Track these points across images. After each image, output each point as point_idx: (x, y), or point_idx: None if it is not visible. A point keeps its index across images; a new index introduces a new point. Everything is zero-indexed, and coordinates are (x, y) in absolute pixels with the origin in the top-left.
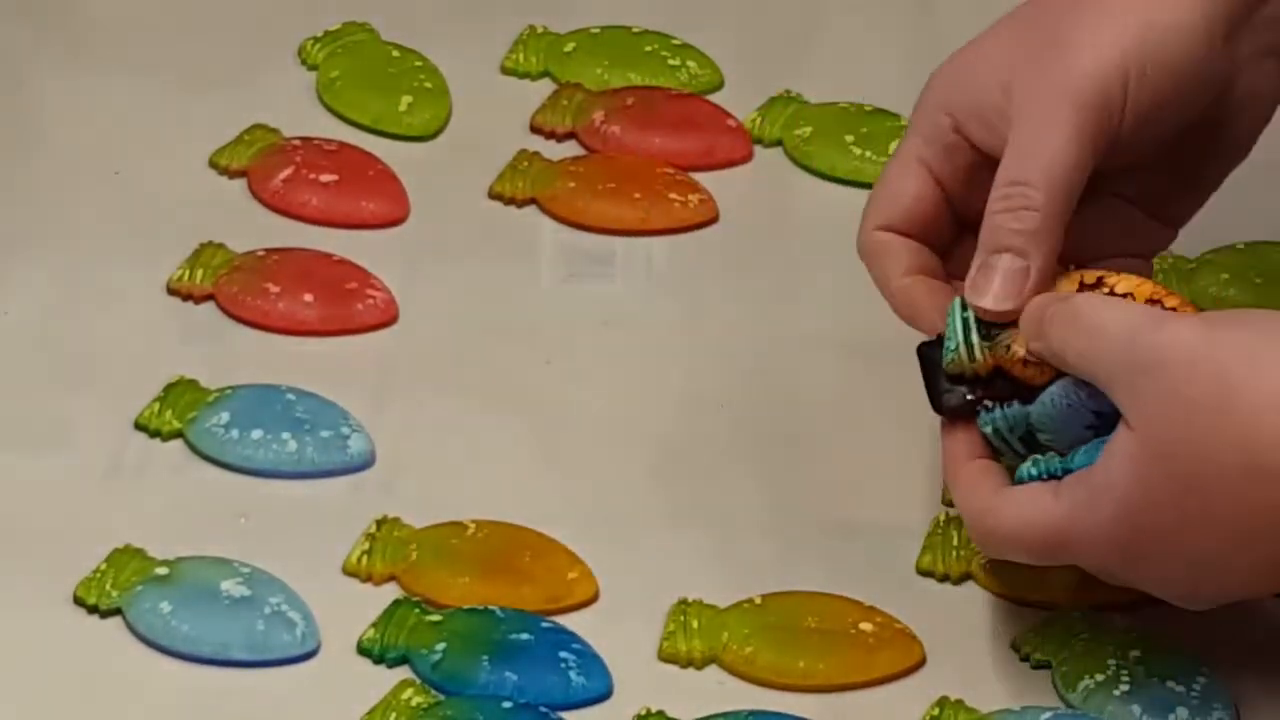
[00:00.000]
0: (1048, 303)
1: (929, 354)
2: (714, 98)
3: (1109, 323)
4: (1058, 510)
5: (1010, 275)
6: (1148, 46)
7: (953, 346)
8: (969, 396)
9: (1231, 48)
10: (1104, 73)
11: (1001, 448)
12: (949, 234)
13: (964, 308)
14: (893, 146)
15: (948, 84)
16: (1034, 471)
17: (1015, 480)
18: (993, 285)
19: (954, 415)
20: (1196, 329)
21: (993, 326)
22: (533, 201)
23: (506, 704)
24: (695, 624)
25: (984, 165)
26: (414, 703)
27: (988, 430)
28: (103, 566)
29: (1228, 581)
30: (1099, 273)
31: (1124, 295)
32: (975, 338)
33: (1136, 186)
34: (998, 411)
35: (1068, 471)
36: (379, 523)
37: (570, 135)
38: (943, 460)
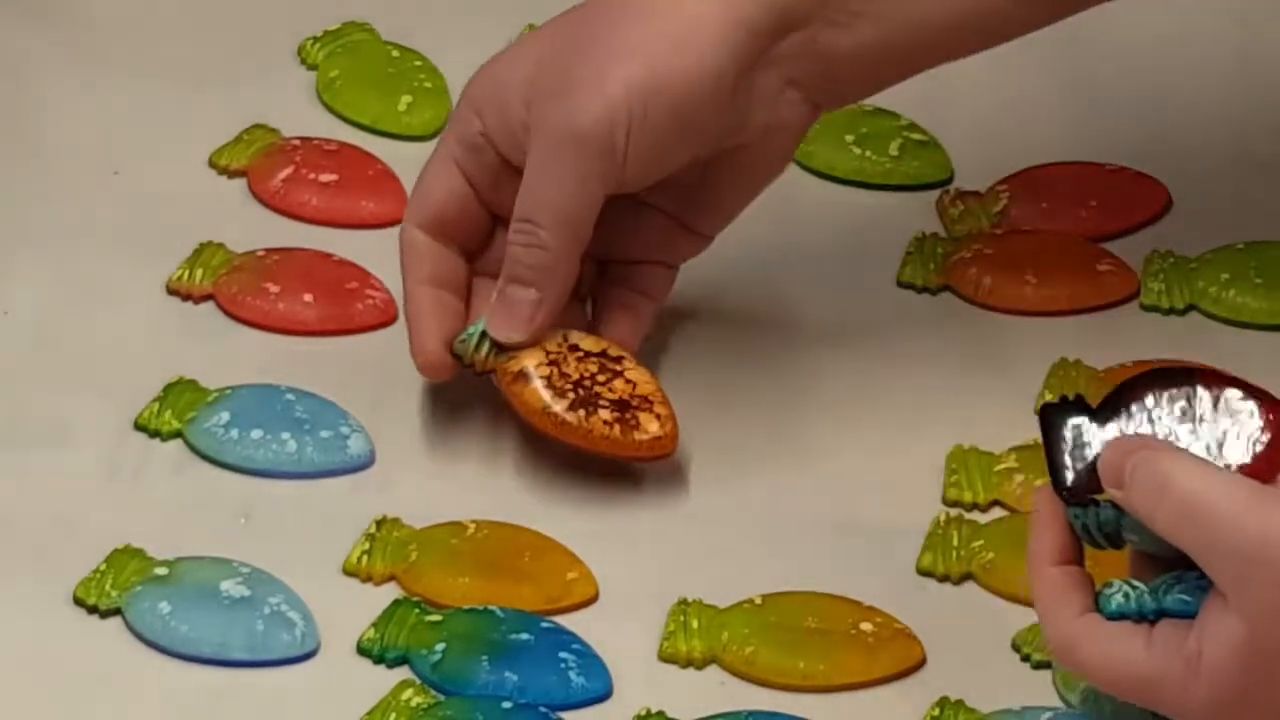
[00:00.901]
0: (1128, 451)
1: (1057, 421)
2: None
3: (1208, 502)
4: (1148, 666)
5: (521, 306)
6: (650, 91)
7: (463, 337)
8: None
9: (748, 84)
10: (607, 117)
11: (1083, 537)
12: (481, 230)
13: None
14: (893, 146)
15: (484, 88)
16: (1125, 609)
17: (1105, 609)
18: (505, 315)
19: (1074, 498)
20: None
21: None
22: None
23: (506, 704)
24: (695, 624)
25: (510, 168)
26: (414, 703)
27: (1076, 525)
28: (102, 567)
29: None
30: (599, 343)
31: (631, 382)
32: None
33: (668, 200)
34: (1092, 510)
35: (1160, 612)
36: (379, 523)
37: None
38: (1028, 553)
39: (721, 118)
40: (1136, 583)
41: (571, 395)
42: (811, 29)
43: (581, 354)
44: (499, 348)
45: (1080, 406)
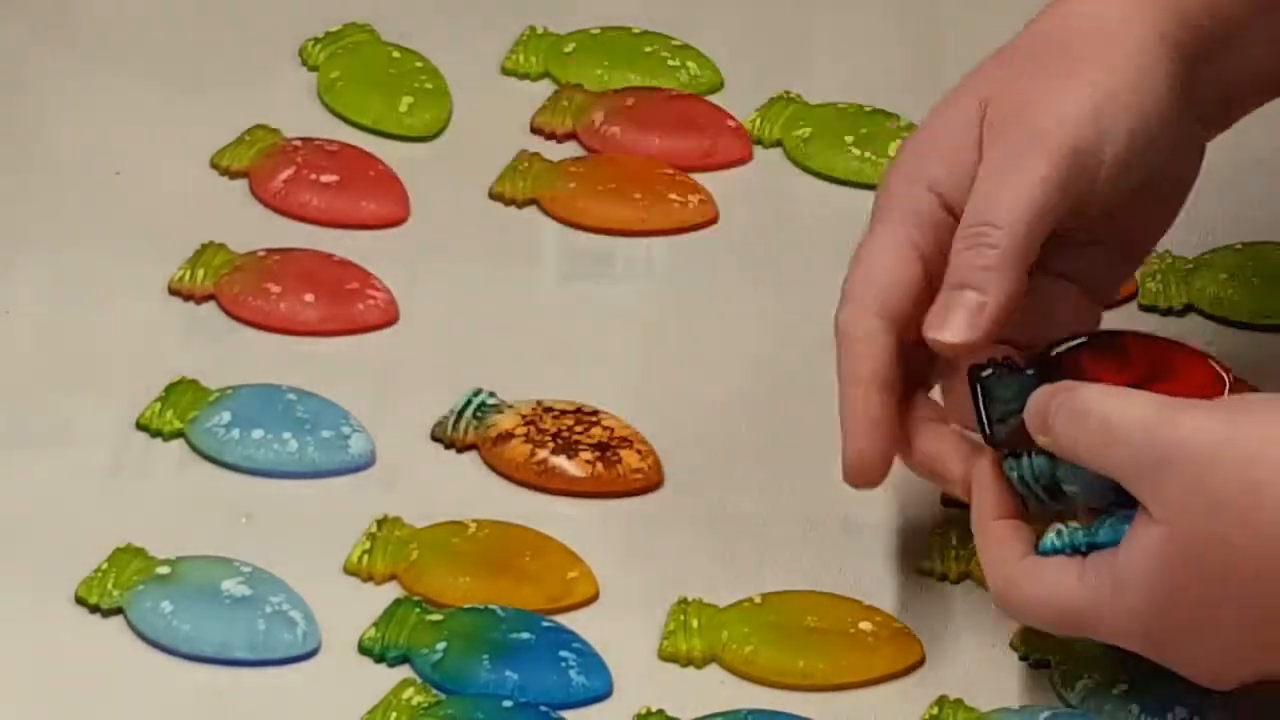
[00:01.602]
0: (1050, 394)
1: (984, 380)
2: (714, 98)
3: (1121, 417)
4: (1080, 593)
5: (967, 310)
6: (1114, 101)
7: (439, 420)
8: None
9: (1176, 105)
10: (1073, 120)
11: (1025, 494)
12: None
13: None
14: (892, 147)
15: (920, 154)
16: (1058, 544)
17: (1039, 548)
18: (951, 319)
19: (1006, 445)
20: (1216, 418)
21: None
22: (533, 202)
23: (507, 703)
24: (695, 623)
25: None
26: (414, 702)
27: (1013, 476)
28: (104, 566)
29: (1259, 665)
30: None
31: (608, 428)
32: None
33: (1080, 261)
34: (1025, 460)
35: (1092, 545)
36: (380, 522)
37: (570, 136)
38: (972, 511)
39: (1175, 133)
40: (1071, 523)
41: (551, 444)
42: (1218, 57)
43: (557, 412)
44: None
45: (1010, 368)
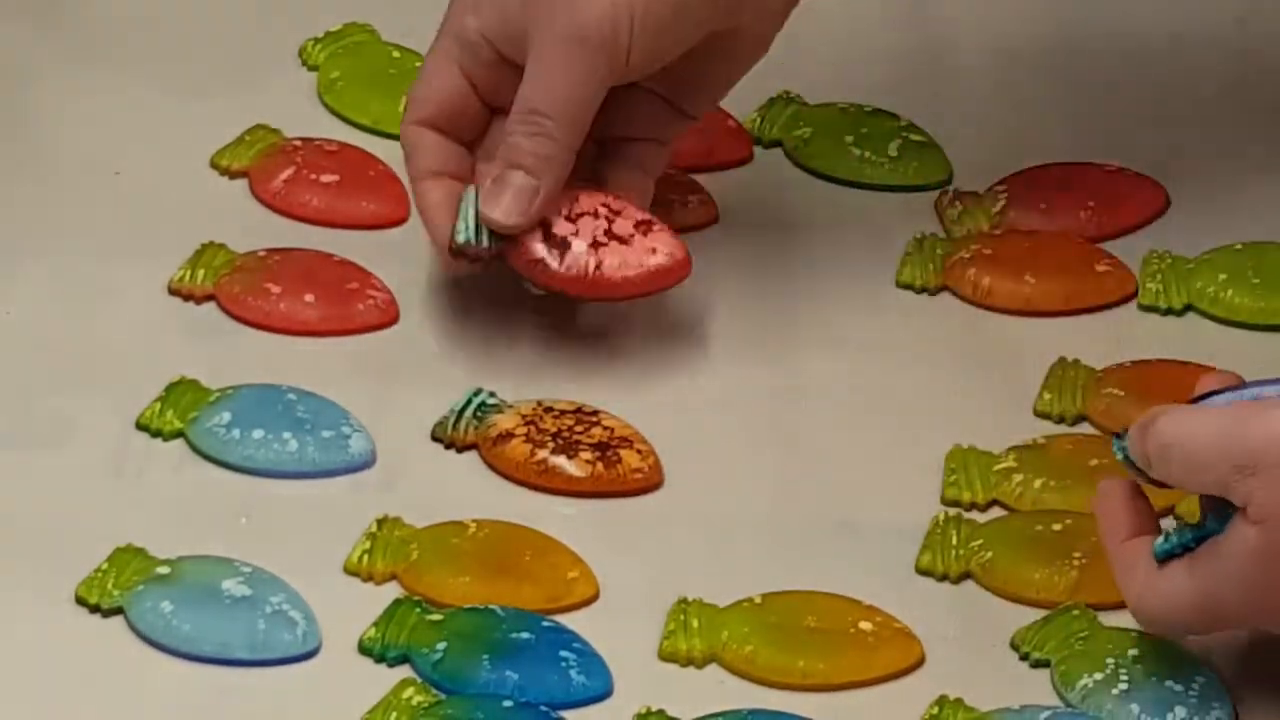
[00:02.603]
0: (1141, 433)
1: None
2: None
3: (1195, 443)
4: (1192, 589)
5: (521, 193)
6: None
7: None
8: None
9: None
10: (610, 15)
11: (1133, 473)
12: (479, 123)
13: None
14: (892, 147)
15: None
16: (1168, 546)
17: (1155, 553)
18: (504, 199)
19: (457, 255)
20: None
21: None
22: None
23: (507, 703)
24: (695, 623)
25: (507, 64)
26: (415, 702)
27: (1119, 456)
28: (104, 566)
29: None
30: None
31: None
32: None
33: (659, 83)
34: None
35: (1199, 539)
36: (380, 522)
37: None
38: (1100, 533)
39: (715, 9)
40: (1180, 523)
41: (551, 444)
42: None
43: (557, 412)
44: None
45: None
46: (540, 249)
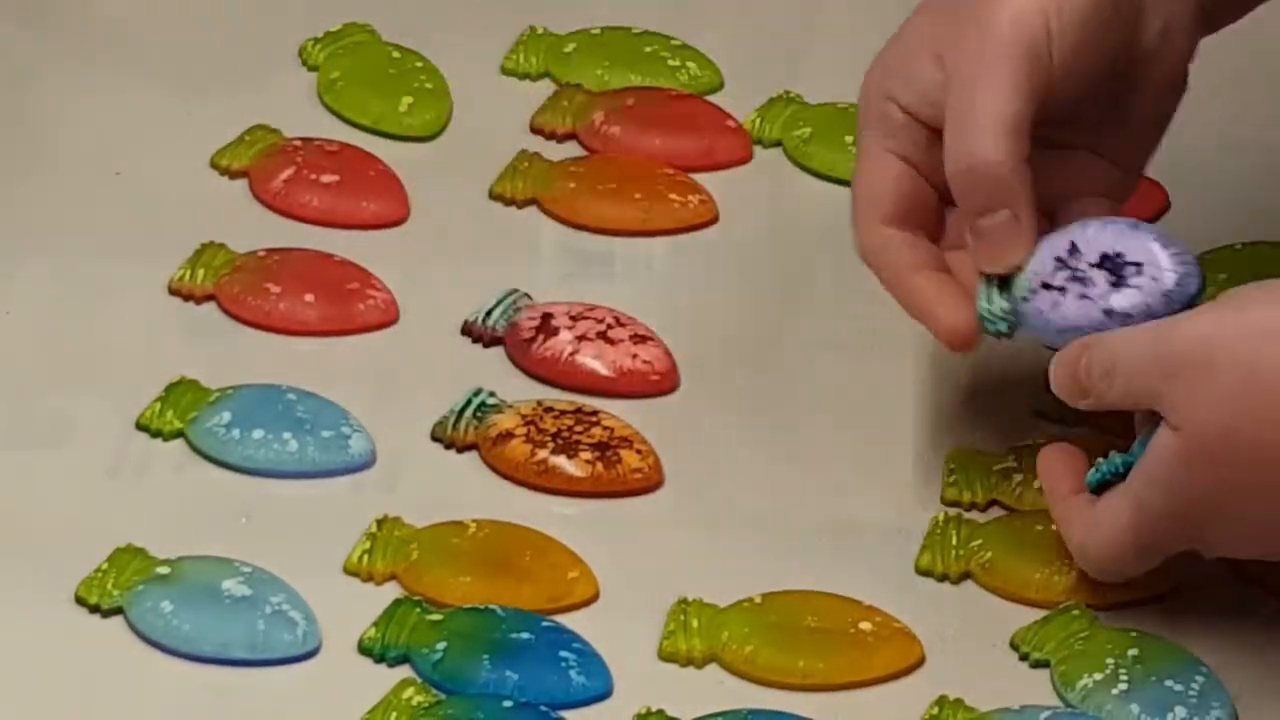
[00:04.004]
0: (1076, 356)
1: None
2: (714, 98)
3: (1129, 354)
4: (1126, 510)
5: (1000, 230)
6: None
7: (439, 420)
8: None
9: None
10: (1025, 19)
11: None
12: (936, 212)
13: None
14: None
15: (884, 74)
16: (1098, 476)
17: (1087, 484)
18: (988, 245)
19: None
20: (1209, 321)
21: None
22: (533, 202)
23: (507, 703)
24: (695, 623)
25: (939, 139)
26: (415, 702)
27: (1093, 481)
28: (104, 566)
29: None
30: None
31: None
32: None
33: (1093, 137)
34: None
35: (1129, 465)
36: (380, 522)
37: (571, 136)
38: (1045, 495)
39: (1133, 24)
40: (1111, 453)
41: (551, 444)
42: None
43: (557, 412)
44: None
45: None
46: (530, 331)
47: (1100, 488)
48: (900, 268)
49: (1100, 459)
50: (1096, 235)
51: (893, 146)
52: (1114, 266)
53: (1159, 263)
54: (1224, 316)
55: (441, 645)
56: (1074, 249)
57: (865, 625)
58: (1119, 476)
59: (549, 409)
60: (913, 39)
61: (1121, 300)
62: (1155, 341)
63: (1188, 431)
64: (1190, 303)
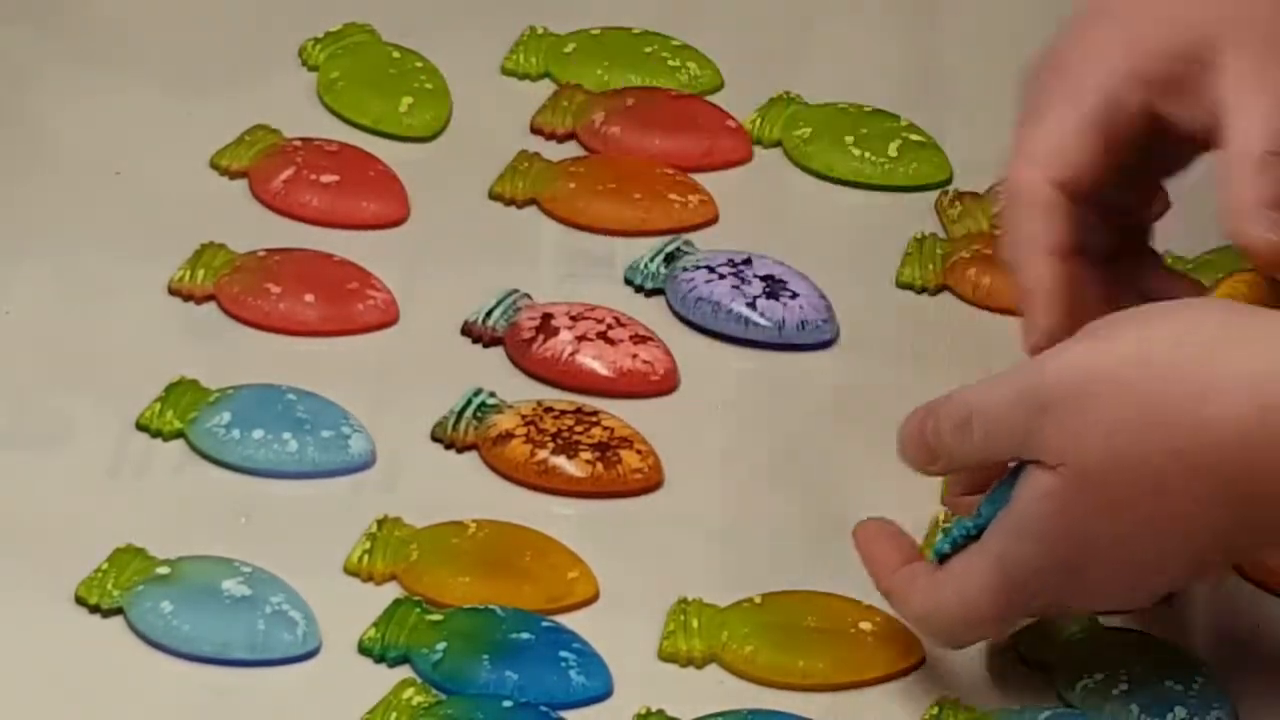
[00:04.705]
0: (922, 419)
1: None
2: (714, 98)
3: (992, 401)
4: (987, 567)
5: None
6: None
7: (440, 419)
8: None
9: None
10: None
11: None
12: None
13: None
14: (892, 147)
15: (1121, 52)
16: (947, 542)
17: (935, 554)
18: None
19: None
20: (1077, 353)
21: None
22: (533, 202)
23: (507, 703)
24: (695, 623)
25: (1157, 139)
26: (414, 702)
27: (945, 549)
28: (104, 566)
29: (1172, 571)
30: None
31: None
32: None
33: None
34: (952, 531)
35: (980, 527)
36: (379, 522)
37: (570, 136)
38: (871, 573)
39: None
40: (953, 518)
41: (551, 445)
42: None
43: (557, 413)
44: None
45: None
46: (530, 331)
47: (950, 555)
48: (1045, 238)
49: (946, 525)
50: None
51: (1106, 128)
52: None
53: None
54: (1096, 345)
55: (441, 645)
56: None
57: (865, 625)
58: (971, 538)
59: (549, 409)
60: (1168, 29)
61: None
62: (1018, 381)
63: (1068, 467)
64: None
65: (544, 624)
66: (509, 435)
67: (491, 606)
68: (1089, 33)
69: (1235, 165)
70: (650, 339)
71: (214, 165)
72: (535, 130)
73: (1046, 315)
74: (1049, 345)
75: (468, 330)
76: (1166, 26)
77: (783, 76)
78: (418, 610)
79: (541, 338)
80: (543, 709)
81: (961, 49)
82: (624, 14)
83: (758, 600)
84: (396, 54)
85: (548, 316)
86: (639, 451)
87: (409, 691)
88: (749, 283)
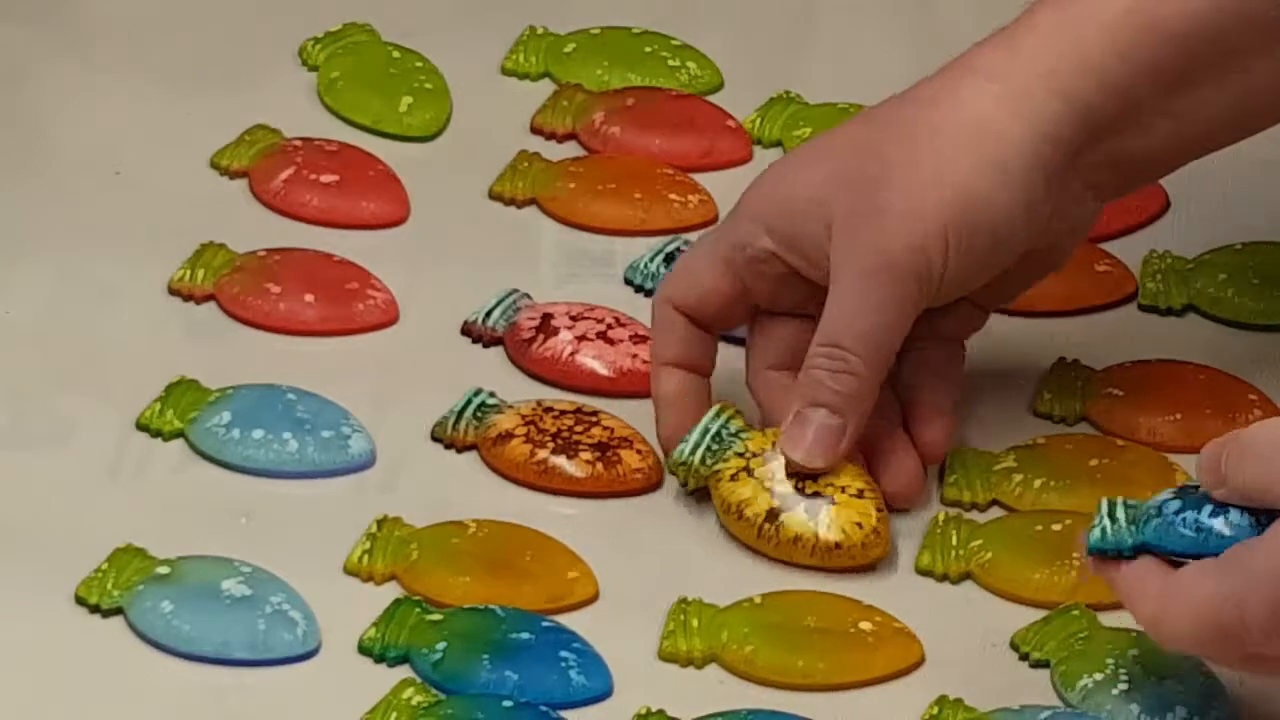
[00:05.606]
0: (1221, 445)
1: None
2: (714, 98)
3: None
4: (1220, 597)
5: (825, 432)
6: (966, 221)
7: (684, 450)
8: None
9: (1052, 196)
10: (924, 247)
11: (1102, 566)
12: (741, 318)
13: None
14: None
15: (767, 203)
16: (1101, 543)
17: (1091, 547)
18: (807, 439)
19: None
20: None
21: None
22: (533, 202)
23: (507, 703)
24: (695, 623)
25: (792, 277)
26: (414, 702)
27: (1095, 538)
28: (104, 566)
29: None
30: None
31: (608, 428)
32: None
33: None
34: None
35: (1141, 547)
36: (380, 522)
37: (570, 136)
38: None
39: (1032, 236)
40: (1117, 513)
41: (551, 445)
42: (1112, 137)
43: (557, 412)
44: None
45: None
46: (530, 331)
47: (1104, 554)
48: (663, 353)
49: (1104, 523)
50: None
51: (736, 262)
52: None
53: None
54: None
55: (441, 645)
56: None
57: (865, 625)
58: (1121, 554)
59: (549, 409)
60: (805, 187)
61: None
62: None
63: None
64: None
65: (544, 624)
66: (509, 435)
67: (491, 606)
68: (770, 169)
69: (809, 353)
70: (650, 339)
71: (214, 165)
72: (535, 130)
73: (667, 419)
74: (670, 446)
75: (468, 330)
76: (804, 187)
77: (783, 76)
78: (418, 610)
79: (541, 338)
80: (543, 709)
81: (961, 49)
82: (624, 14)
83: (758, 600)
84: (396, 54)
85: (548, 316)
86: (639, 451)
87: (409, 691)
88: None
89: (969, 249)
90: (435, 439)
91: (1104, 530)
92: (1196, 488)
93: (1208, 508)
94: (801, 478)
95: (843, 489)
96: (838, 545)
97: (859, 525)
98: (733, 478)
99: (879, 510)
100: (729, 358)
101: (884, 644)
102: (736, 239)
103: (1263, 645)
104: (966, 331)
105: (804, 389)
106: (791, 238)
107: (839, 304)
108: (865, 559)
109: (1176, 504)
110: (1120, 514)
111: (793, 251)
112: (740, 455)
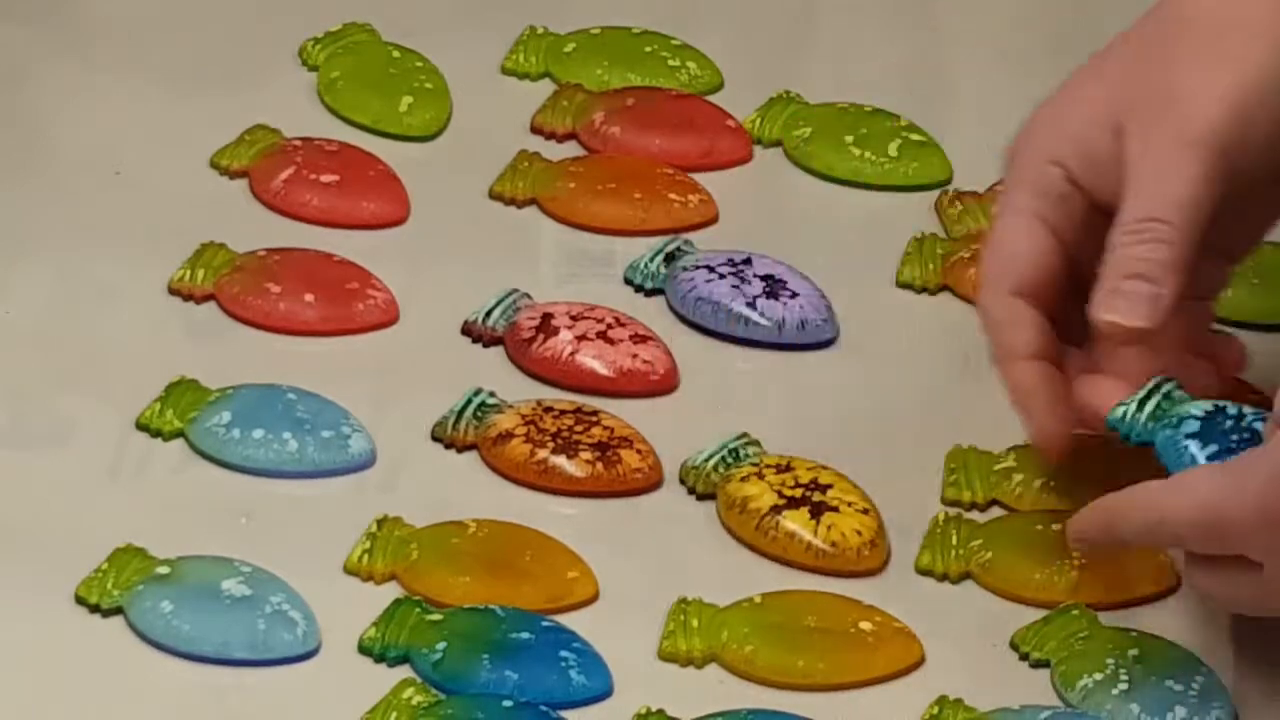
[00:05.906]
0: (1107, 526)
1: None
2: (714, 98)
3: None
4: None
5: (1143, 297)
6: (1263, 96)
7: (440, 419)
8: None
9: None
10: (1225, 122)
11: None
12: (1064, 295)
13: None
14: (892, 147)
15: (1051, 133)
16: (1118, 424)
17: (1109, 421)
18: (1127, 304)
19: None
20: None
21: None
22: (533, 202)
23: (507, 703)
24: (695, 623)
25: (1096, 215)
26: (414, 702)
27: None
28: (104, 566)
29: None
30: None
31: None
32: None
33: (1213, 233)
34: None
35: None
36: (380, 522)
37: (570, 136)
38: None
39: None
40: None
41: (551, 444)
42: None
43: (557, 412)
44: (482, 414)
45: None
46: (530, 331)
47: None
48: (1016, 346)
49: (1133, 404)
50: None
51: (1046, 214)
52: None
53: None
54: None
55: (441, 645)
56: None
57: (865, 625)
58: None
59: (549, 409)
60: (1087, 104)
61: None
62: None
63: None
64: None
65: (544, 624)
66: (509, 435)
67: (491, 606)
68: (1039, 110)
69: (1113, 237)
70: (650, 339)
71: (214, 165)
72: (535, 130)
73: (1035, 414)
74: (1045, 440)
75: (468, 330)
76: (1086, 105)
77: (783, 76)
78: (418, 610)
79: (541, 337)
80: (543, 709)
81: (961, 49)
82: (624, 14)
83: (758, 600)
84: (396, 54)
85: (548, 316)
86: (639, 451)
87: (409, 691)
88: (749, 282)
89: (1260, 127)
90: (435, 439)
91: (1125, 413)
92: (1235, 413)
93: (1212, 448)
94: (814, 486)
95: (849, 504)
96: (834, 545)
97: (858, 533)
98: (743, 479)
99: (879, 527)
100: (729, 357)
101: (884, 644)
102: (1037, 187)
103: (1249, 541)
104: (1213, 288)
105: (1114, 267)
106: (1089, 158)
107: (1142, 182)
108: (859, 566)
109: (1194, 425)
110: (1149, 406)
111: (1091, 171)
112: (754, 464)
